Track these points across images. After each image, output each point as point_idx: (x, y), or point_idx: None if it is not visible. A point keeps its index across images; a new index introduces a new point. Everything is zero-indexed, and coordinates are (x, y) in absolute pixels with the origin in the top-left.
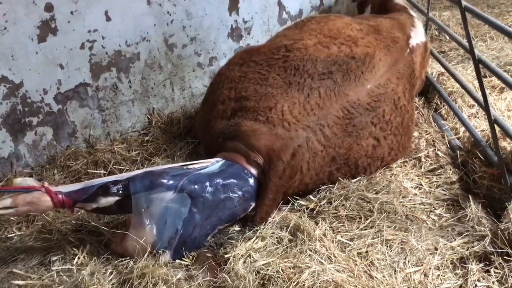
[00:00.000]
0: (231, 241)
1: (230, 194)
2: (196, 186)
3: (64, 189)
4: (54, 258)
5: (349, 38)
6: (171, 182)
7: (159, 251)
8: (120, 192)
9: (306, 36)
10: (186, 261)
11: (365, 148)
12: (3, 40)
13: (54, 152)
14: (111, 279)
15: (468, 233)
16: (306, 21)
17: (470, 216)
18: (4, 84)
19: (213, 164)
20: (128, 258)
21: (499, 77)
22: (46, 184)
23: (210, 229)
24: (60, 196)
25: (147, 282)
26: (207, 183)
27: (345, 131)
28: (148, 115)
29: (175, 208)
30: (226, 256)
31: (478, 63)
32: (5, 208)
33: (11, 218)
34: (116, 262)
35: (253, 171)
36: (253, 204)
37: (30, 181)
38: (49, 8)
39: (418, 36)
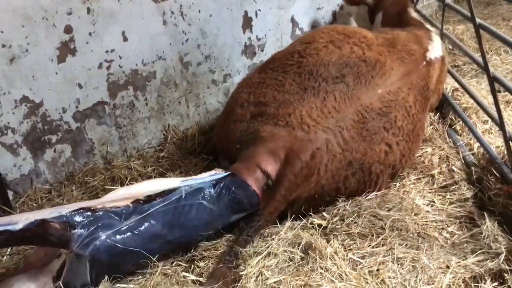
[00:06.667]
0: (248, 253)
1: None
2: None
3: None
4: None
5: (364, 40)
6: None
7: None
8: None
9: (318, 35)
10: (200, 279)
11: (378, 153)
12: (25, 61)
13: (73, 168)
14: None
15: (481, 250)
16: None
17: (486, 233)
18: (25, 103)
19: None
20: (139, 275)
21: None
22: None
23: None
24: None
25: None
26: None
27: (360, 135)
28: (163, 132)
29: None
30: (240, 273)
31: (493, 81)
32: None
33: None
34: (128, 278)
35: (256, 188)
36: None
37: None
38: (68, 30)
39: (436, 50)
